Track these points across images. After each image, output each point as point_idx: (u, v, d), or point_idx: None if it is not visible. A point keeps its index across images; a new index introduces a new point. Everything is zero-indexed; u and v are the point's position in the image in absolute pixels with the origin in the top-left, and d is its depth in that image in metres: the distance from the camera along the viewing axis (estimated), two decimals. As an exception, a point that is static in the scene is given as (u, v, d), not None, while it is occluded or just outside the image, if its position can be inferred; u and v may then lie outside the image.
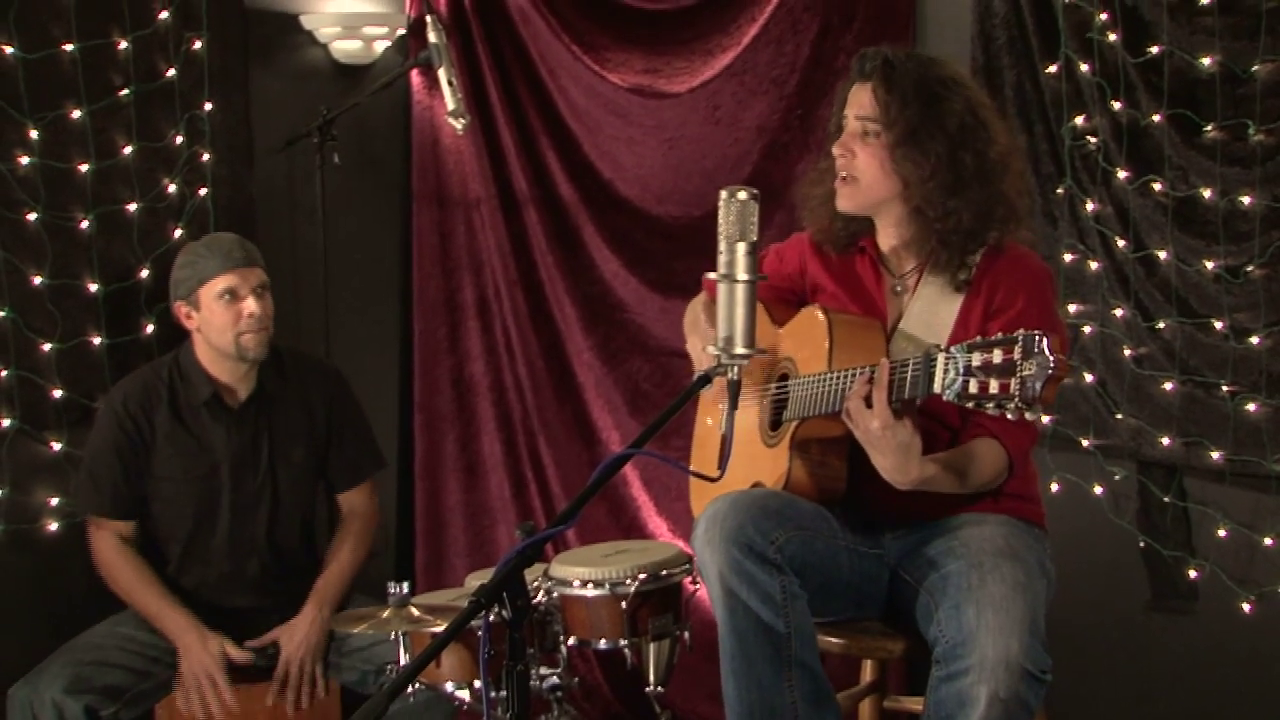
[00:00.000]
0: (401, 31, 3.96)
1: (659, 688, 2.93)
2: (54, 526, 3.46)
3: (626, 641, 2.87)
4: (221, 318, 3.05)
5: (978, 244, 2.51)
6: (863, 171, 2.54)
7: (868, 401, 2.30)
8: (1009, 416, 2.08)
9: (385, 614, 2.74)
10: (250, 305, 3.06)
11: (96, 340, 3.54)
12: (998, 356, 2.08)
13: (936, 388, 2.18)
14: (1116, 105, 3.32)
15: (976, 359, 2.10)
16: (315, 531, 3.28)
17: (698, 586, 2.91)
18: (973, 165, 2.48)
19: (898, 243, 2.60)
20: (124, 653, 3.03)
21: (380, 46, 3.94)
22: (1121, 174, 3.32)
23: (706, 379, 2.18)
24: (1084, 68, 3.39)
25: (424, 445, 4.02)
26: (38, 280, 3.46)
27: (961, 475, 2.43)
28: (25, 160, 3.44)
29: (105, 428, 3.12)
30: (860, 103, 2.54)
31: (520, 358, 4.04)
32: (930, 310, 2.54)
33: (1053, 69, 3.48)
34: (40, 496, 3.47)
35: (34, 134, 3.44)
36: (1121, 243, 3.35)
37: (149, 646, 3.06)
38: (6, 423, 3.42)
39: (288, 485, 3.18)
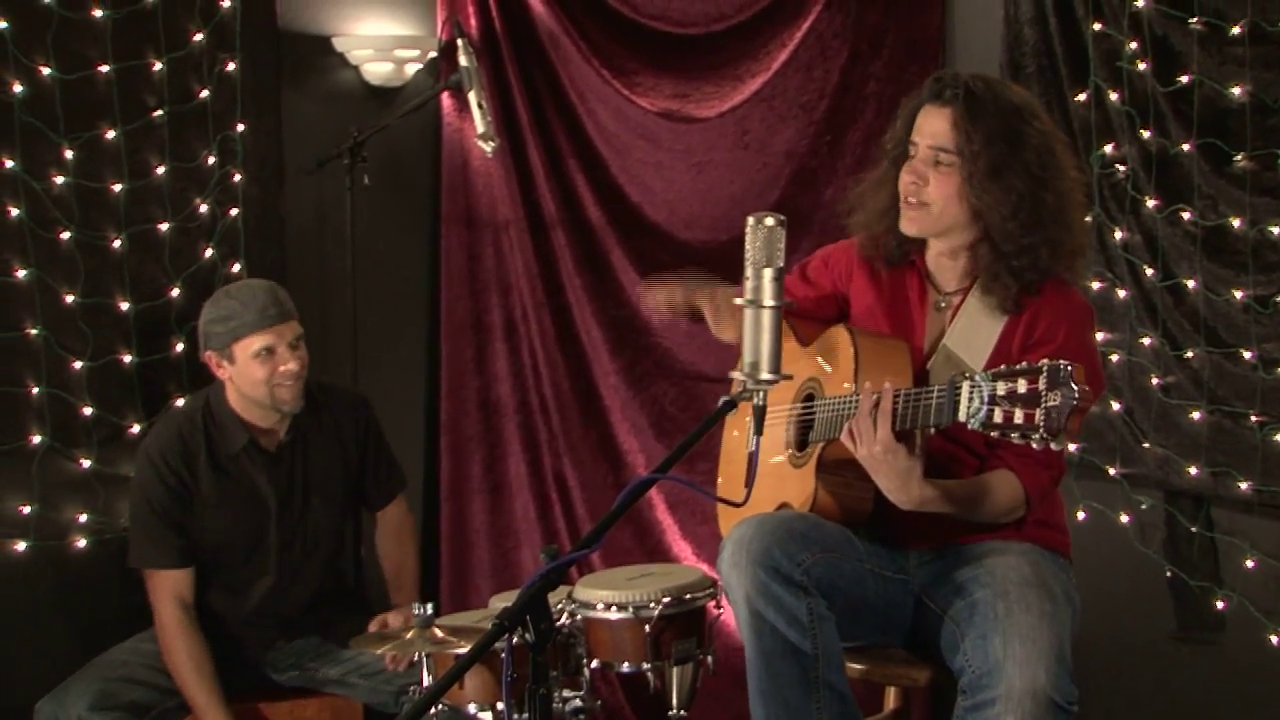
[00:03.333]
0: (433, 54, 3.99)
1: (682, 711, 2.92)
2: (82, 543, 3.49)
3: (650, 665, 2.85)
4: (258, 373, 3.02)
5: (1048, 278, 2.49)
6: (934, 199, 2.50)
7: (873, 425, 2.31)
8: (1034, 446, 2.08)
9: (409, 635, 2.75)
10: (288, 362, 3.03)
11: (127, 359, 3.57)
12: (1023, 386, 2.07)
13: (961, 416, 2.17)
14: (1146, 134, 3.32)
15: (1002, 388, 2.10)
16: (344, 568, 3.30)
17: (722, 610, 2.91)
18: (1053, 203, 2.46)
19: (949, 261, 2.59)
20: (150, 670, 3.04)
21: (411, 69, 3.97)
22: (1150, 203, 3.32)
23: (732, 404, 2.18)
24: (1113, 96, 3.40)
25: (449, 466, 4.03)
26: (70, 299, 3.50)
27: (970, 503, 2.43)
28: (60, 180, 3.48)
29: (148, 482, 3.06)
30: (935, 130, 2.49)
31: (547, 380, 4.05)
32: (973, 330, 2.53)
33: (1082, 97, 3.48)
34: (69, 513, 3.50)
35: (69, 154, 3.49)
36: (1150, 271, 3.34)
37: (175, 665, 3.07)
38: (37, 440, 3.45)
39: (326, 523, 3.19)
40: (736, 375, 2.16)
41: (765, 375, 2.14)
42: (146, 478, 3.07)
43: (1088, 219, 2.56)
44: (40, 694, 3.00)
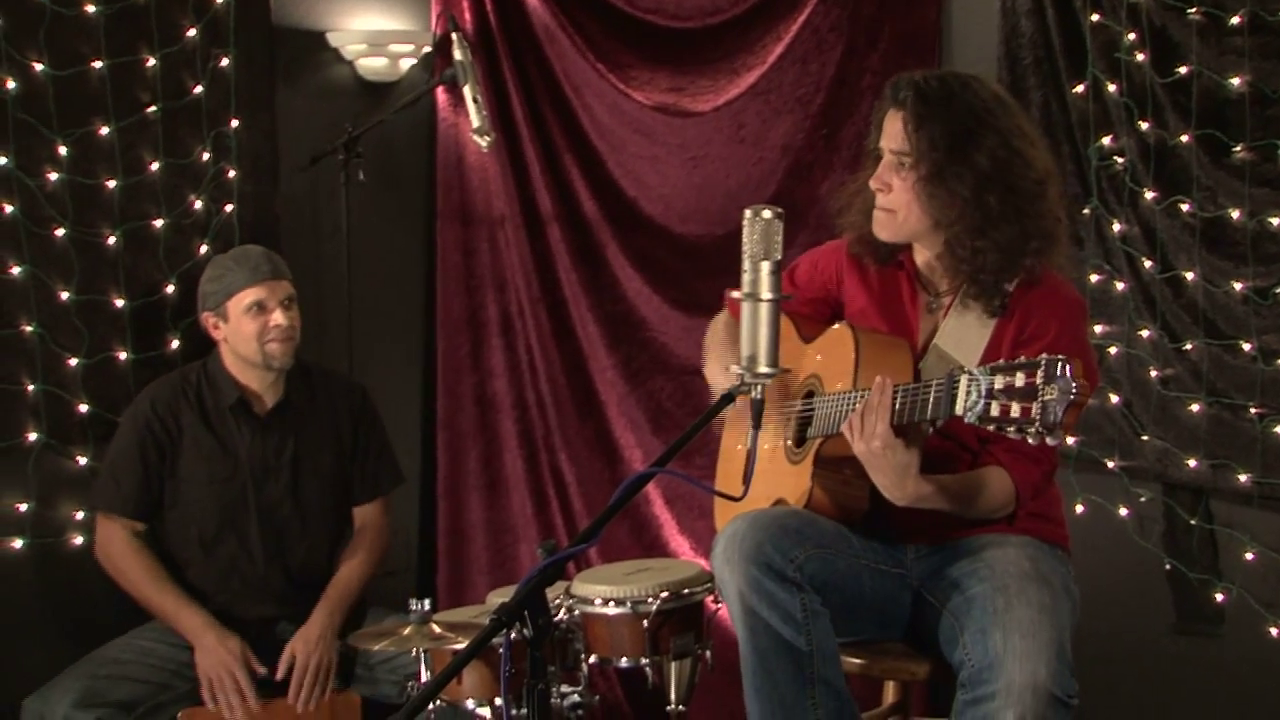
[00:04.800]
0: (427, 49, 3.98)
1: (680, 707, 2.92)
2: (79, 540, 3.47)
3: (648, 660, 2.86)
4: (249, 328, 3.10)
5: (1010, 276, 2.48)
6: (899, 205, 2.51)
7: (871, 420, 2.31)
8: (1029, 441, 2.07)
9: (406, 631, 2.74)
10: (277, 317, 3.11)
11: (122, 355, 3.55)
12: (1020, 380, 2.07)
13: (959, 409, 2.17)
14: (1144, 125, 3.31)
15: (999, 382, 2.09)
16: (341, 545, 3.29)
17: (720, 605, 2.91)
18: (999, 206, 2.44)
19: (935, 262, 2.58)
20: (141, 666, 3.04)
21: (406, 64, 3.96)
22: (1149, 194, 3.31)
23: (730, 398, 2.18)
24: (1111, 88, 3.39)
25: (446, 462, 4.03)
26: (65, 296, 3.48)
27: (963, 499, 2.42)
28: (54, 176, 3.47)
29: (131, 428, 3.15)
30: (892, 133, 2.50)
31: (543, 375, 4.04)
32: (963, 330, 2.53)
33: (1080, 89, 3.47)
34: (66, 511, 3.49)
35: (63, 150, 3.47)
36: (1148, 263, 3.33)
37: (168, 660, 3.07)
38: (33, 437, 3.44)
39: (313, 495, 3.20)
40: (735, 369, 2.16)
41: (763, 369, 2.15)
42: (131, 424, 3.16)
43: (1060, 214, 2.53)
44: (35, 691, 2.99)
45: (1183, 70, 3.22)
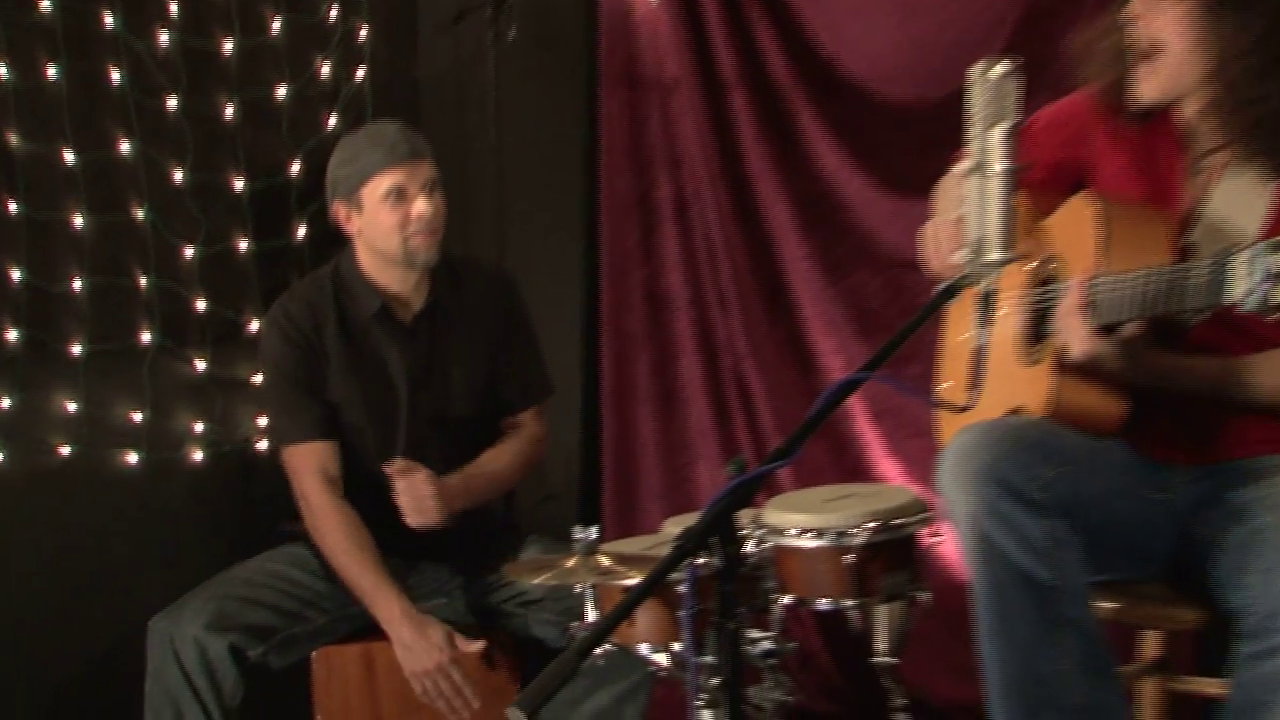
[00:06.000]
0: (588, -119, 3.95)
1: (890, 658, 2.91)
2: (199, 456, 3.59)
3: (853, 602, 2.84)
4: (388, 219, 3.10)
5: None
6: (1169, 41, 2.43)
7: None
8: None
9: (570, 563, 2.77)
10: (420, 205, 3.10)
11: (243, 245, 3.64)
12: None
13: (1235, 295, 2.08)
14: None
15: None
16: None
17: (939, 538, 2.87)
18: None
19: (1205, 113, 2.49)
20: (274, 591, 3.13)
21: (563, -100, 3.94)
22: None
23: (953, 290, 2.13)
24: None
25: (612, 370, 4.06)
26: (178, 176, 3.57)
27: (1227, 378, 2.39)
28: (164, 38, 3.53)
29: (276, 350, 3.17)
30: None
31: (725, 268, 4.03)
32: (1239, 195, 2.44)
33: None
34: (184, 421, 3.60)
35: (174, 8, 3.54)
36: None
37: (303, 588, 3.15)
38: (147, 338, 3.55)
39: (468, 408, 3.23)
40: (958, 257, 2.10)
41: (994, 255, 2.09)
42: (273, 343, 3.18)
43: None
44: (155, 614, 3.12)
45: None
